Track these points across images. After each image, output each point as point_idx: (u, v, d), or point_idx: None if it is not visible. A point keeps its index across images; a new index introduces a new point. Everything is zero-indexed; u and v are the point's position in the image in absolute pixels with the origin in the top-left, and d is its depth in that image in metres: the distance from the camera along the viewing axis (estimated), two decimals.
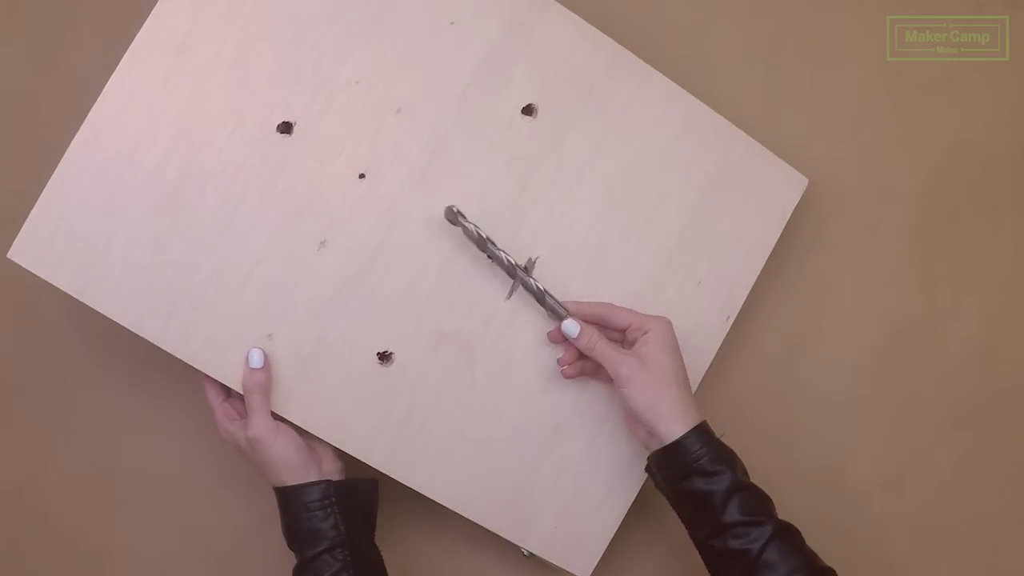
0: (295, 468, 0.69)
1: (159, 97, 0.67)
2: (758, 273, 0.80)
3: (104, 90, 0.66)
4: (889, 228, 0.89)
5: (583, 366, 0.74)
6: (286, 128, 0.69)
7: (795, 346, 0.87)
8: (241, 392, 0.70)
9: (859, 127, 0.89)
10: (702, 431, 0.67)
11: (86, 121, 0.66)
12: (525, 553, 0.78)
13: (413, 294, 0.72)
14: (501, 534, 0.76)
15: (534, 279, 0.72)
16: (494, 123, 0.73)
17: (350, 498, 0.70)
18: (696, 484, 0.66)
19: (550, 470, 0.76)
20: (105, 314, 0.67)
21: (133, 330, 0.67)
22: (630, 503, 0.78)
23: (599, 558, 0.77)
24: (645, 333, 0.70)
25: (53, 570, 0.80)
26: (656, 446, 0.69)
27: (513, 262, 0.71)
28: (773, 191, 0.80)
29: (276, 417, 0.70)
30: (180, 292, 0.68)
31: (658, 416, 0.68)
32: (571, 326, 0.71)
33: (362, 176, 0.71)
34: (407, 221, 0.72)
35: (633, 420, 0.72)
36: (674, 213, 0.78)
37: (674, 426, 0.67)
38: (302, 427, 0.71)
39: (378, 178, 0.71)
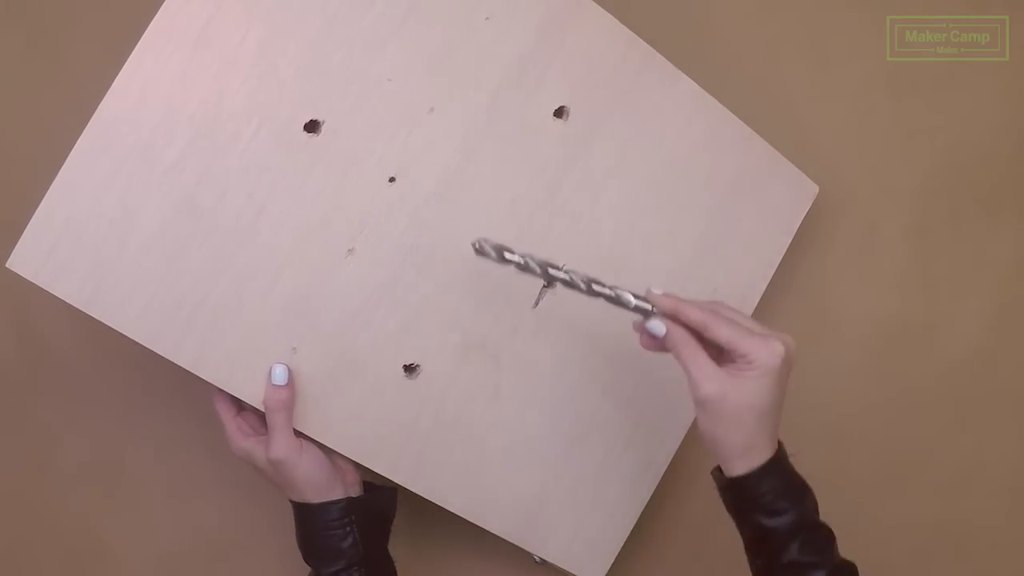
0: (320, 486, 0.66)
1: (176, 91, 0.61)
2: (769, 279, 0.81)
3: (114, 83, 0.59)
4: (889, 228, 0.89)
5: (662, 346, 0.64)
6: (313, 127, 0.64)
7: (795, 346, 0.88)
8: (262, 409, 0.65)
9: (859, 127, 0.89)
10: (772, 466, 0.61)
11: (94, 117, 0.59)
12: (537, 560, 0.78)
13: (442, 303, 0.69)
14: (518, 544, 0.75)
15: (602, 283, 0.63)
16: (526, 125, 0.70)
17: (369, 512, 0.68)
18: (759, 519, 0.61)
19: (569, 479, 0.75)
20: (116, 329, 0.61)
21: (147, 346, 0.62)
22: (642, 508, 0.78)
23: (611, 564, 0.78)
24: (749, 363, 0.60)
25: (53, 570, 0.79)
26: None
27: (574, 278, 0.63)
28: (786, 198, 0.81)
29: (296, 433, 0.66)
30: (198, 304, 0.63)
31: (721, 452, 0.62)
32: (657, 327, 0.62)
33: (392, 179, 0.67)
34: (437, 227, 0.68)
35: None
36: (694, 220, 0.77)
37: (737, 464, 0.61)
38: (325, 445, 0.67)
39: (409, 181, 0.67)
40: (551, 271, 0.62)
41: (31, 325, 0.78)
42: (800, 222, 0.82)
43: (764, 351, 0.59)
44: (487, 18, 0.68)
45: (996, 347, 0.90)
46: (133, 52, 0.59)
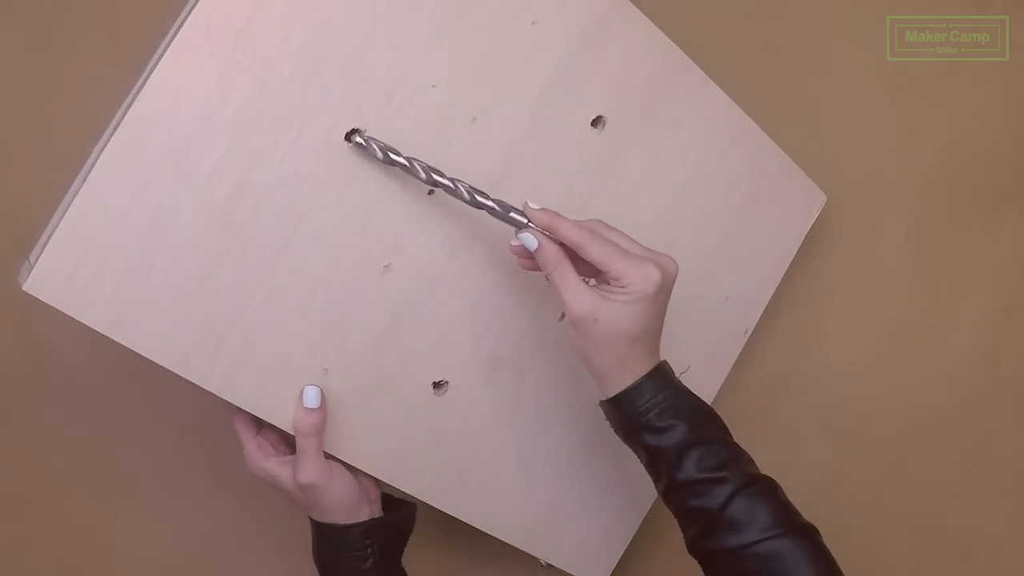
0: (349, 508, 0.64)
1: (213, 95, 0.55)
2: (775, 289, 0.82)
3: (146, 86, 0.53)
4: (889, 228, 0.90)
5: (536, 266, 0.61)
6: (354, 135, 0.60)
7: (796, 346, 0.89)
8: (292, 433, 0.62)
9: (859, 127, 0.90)
10: (651, 380, 0.58)
11: (123, 123, 0.52)
12: (543, 564, 0.78)
13: (474, 318, 0.67)
14: (529, 551, 0.75)
15: (486, 195, 0.60)
16: (564, 135, 0.68)
17: (391, 532, 0.67)
18: (646, 439, 0.58)
19: (581, 488, 0.76)
20: (143, 354, 0.56)
21: (176, 371, 0.57)
22: (646, 512, 0.80)
23: (614, 566, 0.79)
24: (622, 286, 0.57)
25: (53, 570, 0.78)
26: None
27: (459, 186, 0.59)
28: (797, 206, 0.82)
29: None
30: (229, 325, 0.58)
31: (592, 371, 0.59)
32: (529, 239, 0.59)
33: (431, 192, 0.63)
34: (472, 240, 0.66)
35: None
36: (713, 230, 0.77)
37: (609, 384, 0.59)
38: (353, 465, 0.65)
39: (448, 193, 0.64)
40: (435, 176, 0.59)
41: (31, 325, 0.76)
42: (808, 229, 0.83)
43: (638, 275, 0.57)
44: (533, 22, 0.64)
45: (996, 347, 0.92)
46: (168, 51, 0.53)
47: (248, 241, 0.57)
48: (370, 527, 0.64)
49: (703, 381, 0.81)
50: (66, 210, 0.52)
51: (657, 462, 0.59)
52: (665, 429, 0.58)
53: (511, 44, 0.64)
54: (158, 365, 0.57)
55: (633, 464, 0.77)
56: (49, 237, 0.52)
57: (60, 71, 0.75)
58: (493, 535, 0.72)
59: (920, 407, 0.91)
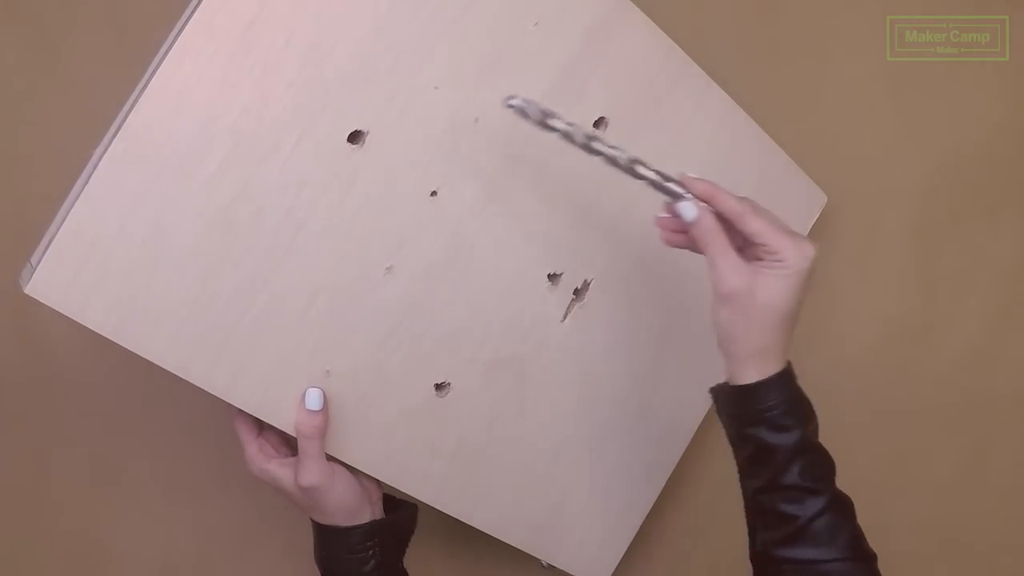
0: (352, 510, 0.64)
1: (216, 97, 0.54)
2: None
3: (148, 88, 0.52)
4: (889, 228, 0.90)
5: (689, 239, 0.60)
6: (356, 138, 0.59)
7: (796, 346, 0.87)
8: (294, 435, 0.62)
9: (859, 127, 0.89)
10: (783, 378, 0.58)
11: (125, 126, 0.52)
12: (544, 565, 0.78)
13: (475, 320, 0.67)
14: (530, 552, 0.75)
15: (646, 165, 0.59)
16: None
17: (392, 533, 0.67)
18: (763, 435, 0.58)
19: (582, 490, 0.76)
20: (145, 357, 0.56)
21: (178, 374, 0.57)
22: (647, 513, 0.80)
23: (615, 567, 0.79)
24: (779, 260, 0.56)
25: (53, 570, 0.78)
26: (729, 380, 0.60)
27: (619, 156, 0.58)
28: (797, 208, 0.82)
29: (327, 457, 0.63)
30: (232, 328, 0.58)
31: (736, 353, 0.58)
32: (688, 208, 0.58)
33: (434, 193, 0.63)
34: (475, 242, 0.65)
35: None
36: None
37: (750, 370, 0.58)
38: (354, 467, 0.65)
39: (450, 195, 0.64)
40: (593, 144, 0.58)
41: (31, 326, 0.75)
42: (808, 231, 0.83)
43: (795, 250, 0.56)
44: (536, 23, 0.64)
45: (996, 347, 0.92)
46: (171, 53, 0.53)
47: (250, 244, 0.57)
48: (372, 529, 0.64)
49: (703, 379, 0.81)
50: (68, 213, 0.52)
51: (764, 458, 0.58)
52: (784, 429, 0.57)
53: (514, 45, 0.64)
54: (159, 367, 0.57)
55: (633, 464, 0.78)
56: (51, 240, 0.52)
57: (60, 71, 0.74)
58: (494, 536, 0.72)
59: (920, 407, 0.91)
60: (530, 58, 0.64)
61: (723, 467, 0.87)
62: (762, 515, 0.59)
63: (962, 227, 0.91)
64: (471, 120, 0.63)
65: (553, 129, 0.58)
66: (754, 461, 0.59)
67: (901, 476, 0.91)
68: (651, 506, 0.80)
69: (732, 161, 0.76)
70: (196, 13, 0.53)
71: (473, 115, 0.63)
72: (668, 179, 0.58)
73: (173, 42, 0.53)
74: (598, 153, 0.58)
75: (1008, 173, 0.92)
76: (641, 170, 0.58)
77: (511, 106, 0.57)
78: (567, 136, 0.58)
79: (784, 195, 0.80)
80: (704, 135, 0.74)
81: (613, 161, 0.58)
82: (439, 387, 0.67)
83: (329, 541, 0.65)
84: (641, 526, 0.80)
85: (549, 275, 0.69)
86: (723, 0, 0.86)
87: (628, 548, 0.80)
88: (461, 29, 0.61)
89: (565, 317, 0.71)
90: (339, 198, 0.60)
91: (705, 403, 0.82)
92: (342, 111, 0.58)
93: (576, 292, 0.71)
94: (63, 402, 0.77)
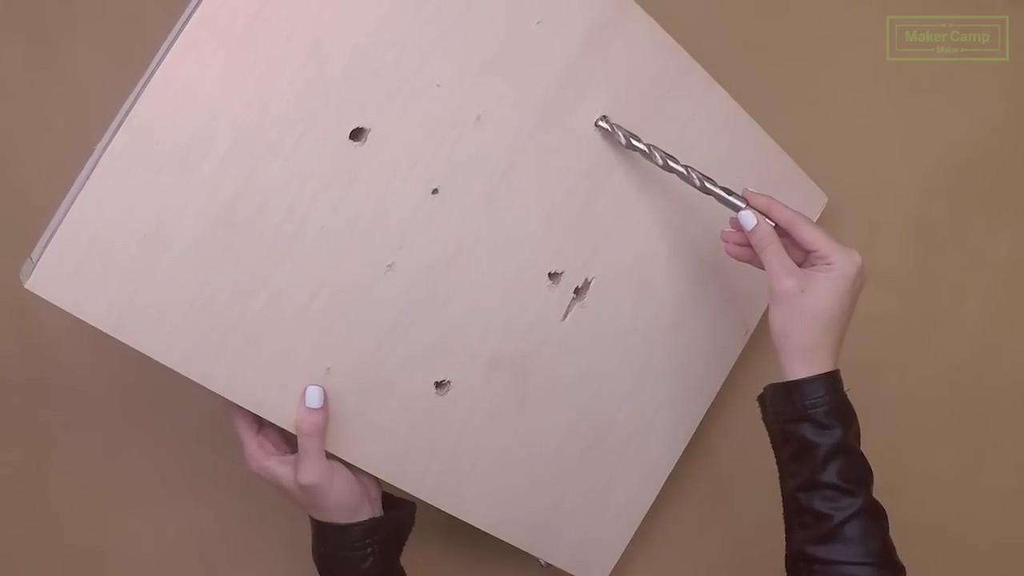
0: (351, 508, 0.64)
1: (219, 92, 0.54)
2: None
3: (150, 83, 0.52)
4: (889, 228, 0.90)
5: (749, 253, 0.67)
6: (358, 135, 0.59)
7: None
8: (294, 433, 0.62)
9: (859, 127, 0.89)
10: (830, 379, 0.62)
11: (127, 121, 0.52)
12: (543, 564, 0.78)
13: (476, 318, 0.67)
14: (529, 551, 0.75)
15: (715, 182, 0.66)
16: (569, 135, 0.67)
17: (391, 531, 0.67)
18: (806, 431, 0.61)
19: (582, 488, 0.76)
20: (145, 353, 0.56)
21: (178, 370, 0.57)
22: (645, 512, 0.80)
23: (613, 566, 0.79)
24: (828, 264, 0.62)
25: (53, 570, 0.78)
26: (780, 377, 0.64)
27: (692, 174, 0.66)
28: (798, 207, 0.81)
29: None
30: (232, 325, 0.58)
31: (788, 348, 0.62)
32: (748, 217, 0.64)
33: (435, 191, 0.63)
34: (476, 240, 0.65)
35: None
36: (716, 232, 0.77)
37: (799, 365, 0.62)
38: (354, 464, 0.65)
39: (452, 193, 0.63)
40: (671, 163, 0.67)
41: (31, 325, 0.75)
42: None
43: (844, 256, 0.62)
44: (539, 22, 0.64)
45: (996, 347, 0.92)
46: (173, 48, 0.52)
47: (251, 240, 0.57)
48: (371, 527, 0.64)
49: (703, 380, 0.81)
50: (69, 208, 0.52)
51: (806, 456, 0.61)
52: (828, 427, 0.60)
53: (516, 44, 0.64)
54: (159, 364, 0.56)
55: (633, 465, 0.78)
56: (52, 235, 0.52)
57: (60, 70, 0.74)
58: (492, 534, 0.72)
59: (920, 406, 0.91)
60: (532, 56, 0.64)
61: (723, 467, 0.88)
62: (799, 513, 0.62)
63: (962, 227, 0.91)
64: (473, 118, 0.63)
65: (636, 149, 0.67)
66: (795, 459, 0.62)
67: (901, 476, 0.91)
68: (650, 506, 0.80)
69: (733, 161, 0.76)
70: (199, 9, 0.53)
71: (475, 113, 0.63)
72: (731, 193, 0.65)
73: (175, 38, 0.53)
74: (673, 171, 0.67)
75: (1008, 173, 0.92)
76: (710, 187, 0.66)
77: (600, 127, 0.68)
78: (648, 155, 0.67)
79: (784, 195, 0.79)
80: (705, 135, 0.74)
81: (687, 178, 0.66)
82: (439, 385, 0.67)
83: (328, 538, 0.65)
84: (640, 526, 0.80)
85: (550, 274, 0.69)
86: (723, 0, 0.86)
87: (627, 547, 0.80)
88: (463, 27, 0.61)
89: (565, 316, 0.71)
90: (340, 195, 0.59)
91: (704, 403, 0.82)
92: (344, 108, 0.58)
93: (576, 291, 0.71)
94: (63, 402, 0.77)
